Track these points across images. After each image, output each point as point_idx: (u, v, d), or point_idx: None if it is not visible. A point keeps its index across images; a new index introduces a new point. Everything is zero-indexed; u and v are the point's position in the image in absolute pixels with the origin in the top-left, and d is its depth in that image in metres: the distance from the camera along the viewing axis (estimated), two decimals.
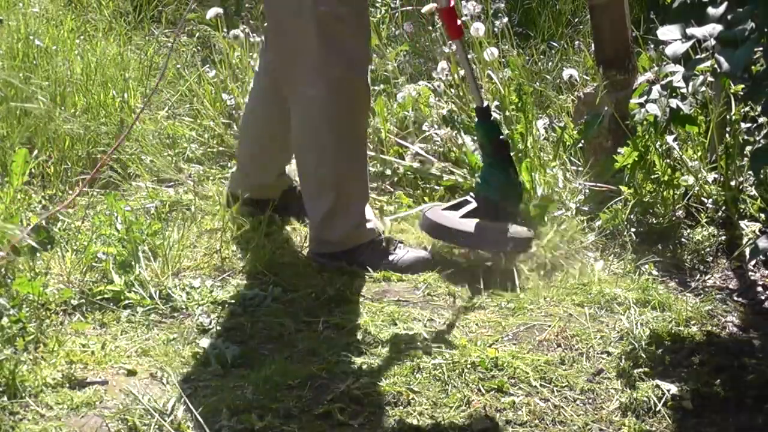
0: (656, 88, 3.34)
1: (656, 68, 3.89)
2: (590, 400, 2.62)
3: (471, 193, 3.44)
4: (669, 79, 3.33)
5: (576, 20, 5.06)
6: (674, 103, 3.37)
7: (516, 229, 3.29)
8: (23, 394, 2.52)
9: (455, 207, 3.39)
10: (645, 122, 3.44)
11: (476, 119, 3.37)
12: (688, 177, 3.53)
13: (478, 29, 4.06)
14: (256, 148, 3.49)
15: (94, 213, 3.40)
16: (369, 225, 3.30)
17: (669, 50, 2.58)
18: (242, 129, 3.64)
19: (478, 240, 3.29)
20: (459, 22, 3.30)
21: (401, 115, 4.13)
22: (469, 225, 3.29)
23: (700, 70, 3.08)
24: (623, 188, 3.48)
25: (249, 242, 3.34)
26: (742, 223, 3.44)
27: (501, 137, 3.36)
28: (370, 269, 3.22)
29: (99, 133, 4.05)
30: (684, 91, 3.33)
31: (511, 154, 3.40)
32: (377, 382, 2.64)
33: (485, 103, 3.35)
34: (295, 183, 3.55)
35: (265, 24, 3.46)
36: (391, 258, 3.27)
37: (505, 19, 4.48)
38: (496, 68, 4.10)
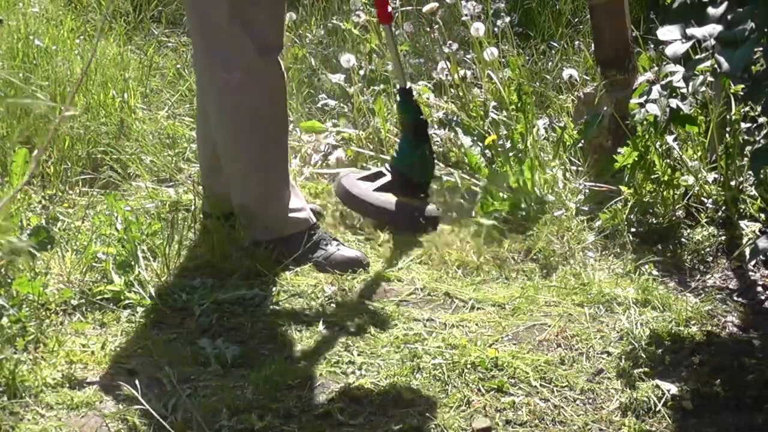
0: (656, 88, 3.34)
1: (656, 68, 3.89)
2: (590, 400, 2.62)
3: (386, 165, 3.60)
4: (669, 79, 3.33)
5: (576, 20, 5.06)
6: (674, 103, 3.37)
7: (428, 208, 3.49)
8: (23, 394, 2.52)
9: (370, 178, 3.54)
10: (645, 122, 3.44)
11: (399, 99, 3.54)
12: (688, 177, 3.53)
13: (478, 29, 4.06)
14: (209, 160, 3.41)
15: (94, 213, 3.40)
16: (300, 215, 3.28)
17: (669, 50, 2.58)
18: (198, 144, 3.56)
19: (390, 216, 3.45)
20: (390, 8, 3.49)
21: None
22: (384, 201, 3.46)
23: (700, 70, 3.08)
24: (623, 188, 3.48)
25: (248, 242, 3.34)
26: (742, 223, 3.44)
27: (421, 117, 3.55)
28: (295, 261, 3.20)
29: (99, 133, 4.05)
30: (684, 91, 3.33)
31: (429, 133, 3.60)
32: (377, 382, 2.64)
33: (409, 85, 3.55)
34: None
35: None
36: (319, 254, 3.24)
37: (507, 19, 4.48)
38: (496, 68, 4.10)
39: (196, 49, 3.25)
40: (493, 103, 3.96)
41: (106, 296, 2.99)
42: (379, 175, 3.56)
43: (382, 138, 4.04)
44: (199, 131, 3.45)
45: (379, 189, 3.51)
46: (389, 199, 3.50)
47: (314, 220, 3.33)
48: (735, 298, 3.13)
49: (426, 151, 3.55)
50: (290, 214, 3.27)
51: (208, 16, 3.13)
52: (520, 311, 3.02)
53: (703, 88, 3.31)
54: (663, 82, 3.37)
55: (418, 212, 3.46)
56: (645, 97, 3.38)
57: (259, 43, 3.13)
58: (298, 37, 4.89)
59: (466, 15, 4.20)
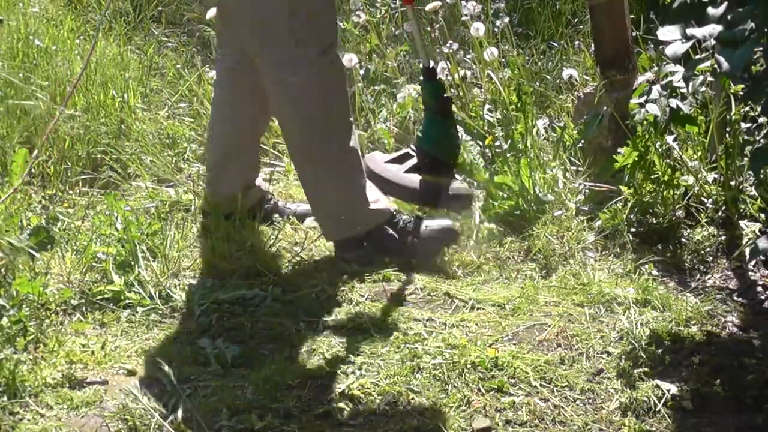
0: (656, 88, 3.34)
1: (656, 68, 3.89)
2: (590, 400, 2.62)
3: (411, 146, 3.55)
4: (669, 79, 3.33)
5: (576, 20, 5.05)
6: (674, 103, 3.36)
7: (457, 186, 3.43)
8: (23, 394, 2.52)
9: (397, 160, 3.50)
10: (645, 122, 3.44)
11: (423, 78, 3.49)
12: (688, 177, 3.53)
13: (478, 29, 4.06)
14: (218, 158, 3.43)
15: (94, 213, 3.40)
16: (380, 205, 3.28)
17: (669, 50, 2.58)
18: (209, 140, 3.56)
19: (420, 196, 3.42)
20: None
21: (402, 114, 4.13)
22: (413, 181, 3.41)
23: (700, 70, 3.07)
24: (623, 188, 3.48)
25: (247, 242, 3.34)
26: (742, 223, 3.44)
27: (445, 95, 3.49)
28: (393, 254, 3.22)
29: (99, 133, 4.05)
30: (684, 91, 3.33)
31: (453, 110, 3.56)
32: (377, 382, 2.64)
33: (431, 64, 3.48)
34: (267, 194, 3.53)
35: (221, 30, 3.45)
36: (408, 239, 3.26)
37: (507, 19, 4.48)
38: (496, 68, 4.10)
39: (253, 51, 3.19)
40: (488, 106, 3.95)
41: (106, 296, 3.00)
42: (405, 156, 3.52)
43: (381, 137, 4.04)
44: (214, 128, 3.45)
45: (408, 171, 3.47)
46: (417, 180, 3.47)
47: (394, 207, 3.32)
48: (735, 298, 3.13)
49: (451, 128, 3.50)
50: (371, 206, 3.26)
51: (266, 15, 3.11)
52: (520, 311, 3.02)
53: (703, 88, 3.31)
54: (663, 82, 3.37)
55: (445, 189, 3.42)
56: (645, 97, 3.38)
57: (318, 37, 3.12)
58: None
59: (466, 15, 4.20)
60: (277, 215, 3.50)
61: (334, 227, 3.27)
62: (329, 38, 3.16)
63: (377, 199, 3.29)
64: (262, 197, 3.51)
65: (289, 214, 3.52)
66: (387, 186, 3.43)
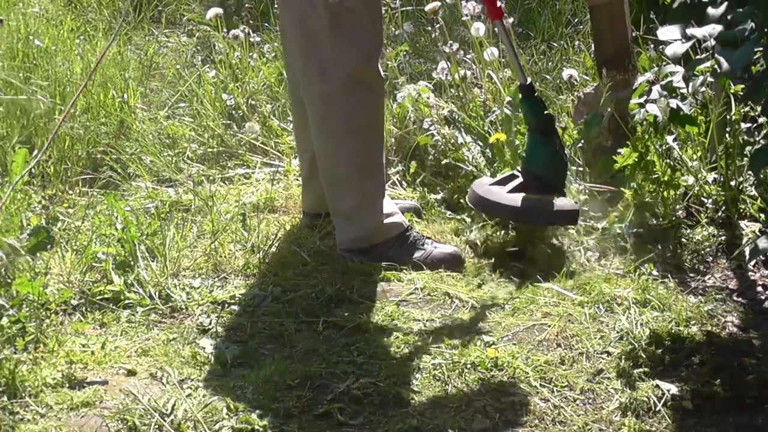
0: (656, 88, 3.34)
1: (656, 68, 3.89)
2: (590, 400, 2.62)
3: (517, 168, 3.46)
4: (669, 79, 3.33)
5: (576, 20, 5.05)
6: (674, 103, 3.36)
7: (562, 203, 3.35)
8: (23, 394, 2.52)
9: (502, 182, 3.41)
10: (645, 122, 3.44)
11: (521, 96, 3.40)
12: (688, 177, 3.53)
13: (478, 29, 4.06)
14: (312, 159, 3.43)
15: (94, 213, 3.40)
16: (394, 219, 3.30)
17: (669, 50, 2.57)
18: (296, 144, 3.59)
19: (526, 214, 3.34)
20: (499, 3, 3.35)
21: (402, 114, 4.13)
22: (516, 199, 3.33)
23: (700, 70, 3.07)
24: (623, 189, 3.47)
25: (248, 242, 3.34)
26: (742, 223, 3.44)
27: (546, 112, 3.39)
28: (398, 264, 3.22)
29: (99, 133, 4.06)
30: (684, 91, 3.33)
31: (557, 128, 3.43)
32: (377, 382, 2.64)
33: (529, 80, 3.39)
34: None
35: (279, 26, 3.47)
36: (419, 254, 3.27)
37: (511, 20, 4.48)
38: (496, 68, 4.10)
39: (294, 57, 3.26)
40: (495, 110, 3.95)
41: (106, 296, 3.00)
42: (511, 177, 3.42)
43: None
44: (300, 129, 3.46)
45: (513, 191, 3.37)
46: (521, 198, 3.38)
47: (407, 223, 3.34)
48: (735, 298, 3.13)
49: (556, 147, 3.38)
50: (384, 221, 3.28)
51: (307, 29, 3.14)
52: (519, 311, 3.02)
53: (703, 89, 3.31)
54: (663, 83, 3.36)
55: (547, 204, 3.35)
56: (645, 98, 3.37)
57: (356, 50, 3.15)
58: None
59: (466, 15, 4.20)
60: None
61: (348, 234, 3.29)
62: (372, 51, 3.19)
63: (392, 212, 3.31)
64: None
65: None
66: (490, 207, 3.37)
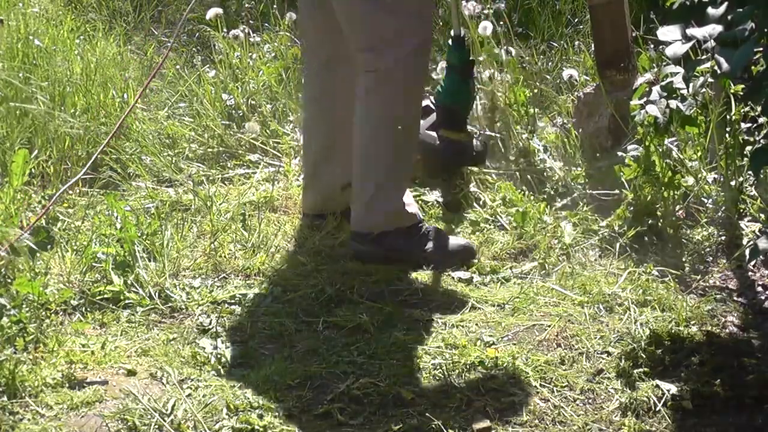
0: (656, 89, 3.34)
1: (656, 69, 3.89)
2: (590, 400, 2.62)
3: (432, 98, 3.70)
4: (669, 80, 3.32)
5: (576, 20, 5.05)
6: (674, 104, 3.36)
7: (474, 144, 3.62)
8: (23, 394, 2.52)
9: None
10: (645, 123, 3.43)
11: (452, 43, 3.63)
12: (688, 177, 3.53)
13: (486, 28, 4.07)
14: (320, 157, 3.45)
15: (94, 213, 3.40)
16: (411, 209, 3.30)
17: (669, 51, 2.57)
18: (305, 140, 3.56)
19: (439, 153, 3.60)
20: None
21: None
22: (433, 138, 3.58)
23: (700, 71, 3.07)
24: (624, 191, 3.47)
25: (248, 242, 3.34)
26: (742, 223, 3.44)
27: (471, 59, 3.66)
28: (408, 258, 3.23)
29: (99, 133, 4.05)
30: (684, 92, 3.32)
31: (474, 74, 3.72)
32: (377, 382, 2.64)
33: (463, 33, 3.66)
34: None
35: (298, 21, 3.47)
36: (430, 246, 3.27)
37: (516, 23, 4.49)
38: (493, 55, 4.09)
39: (349, 40, 3.22)
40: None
41: (106, 296, 3.00)
42: (427, 110, 3.64)
43: None
44: (311, 127, 3.48)
45: (430, 128, 3.64)
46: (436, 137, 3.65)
47: (421, 215, 3.35)
48: (735, 298, 3.13)
49: (471, 85, 3.65)
50: (405, 207, 3.29)
51: (368, 11, 3.14)
52: (519, 311, 3.02)
53: (703, 90, 3.31)
54: (663, 83, 3.36)
55: (465, 147, 3.61)
56: (645, 98, 3.37)
57: (416, 31, 3.17)
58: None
59: (466, 15, 4.19)
60: None
61: (367, 217, 3.27)
62: (424, 37, 3.22)
63: (410, 202, 3.32)
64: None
65: None
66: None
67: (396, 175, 3.28)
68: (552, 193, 3.66)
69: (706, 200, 3.52)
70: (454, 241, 3.32)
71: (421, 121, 3.54)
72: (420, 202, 3.53)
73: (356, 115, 3.26)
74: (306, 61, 3.53)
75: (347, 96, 3.30)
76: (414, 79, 3.24)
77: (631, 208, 3.44)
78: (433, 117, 3.68)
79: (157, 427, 2.43)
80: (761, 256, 3.16)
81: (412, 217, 3.30)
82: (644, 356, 2.75)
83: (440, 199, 3.62)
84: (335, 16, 3.21)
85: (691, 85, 3.13)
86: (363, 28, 3.18)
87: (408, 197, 3.33)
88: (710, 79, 3.23)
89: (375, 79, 3.18)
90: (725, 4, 2.53)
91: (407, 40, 3.16)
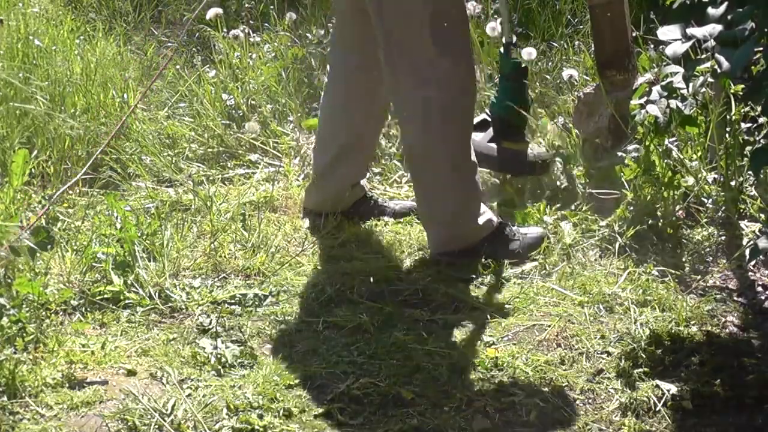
0: (656, 89, 3.34)
1: (656, 68, 3.88)
2: (590, 400, 2.62)
3: (487, 110, 3.64)
4: (669, 80, 3.32)
5: (576, 20, 5.05)
6: (674, 104, 3.35)
7: (537, 151, 3.52)
8: (23, 394, 2.53)
9: (478, 127, 3.52)
10: (646, 122, 3.43)
11: (502, 50, 3.63)
12: (688, 178, 3.53)
13: (494, 29, 4.08)
14: (336, 157, 3.46)
15: (94, 213, 3.40)
16: (488, 216, 3.31)
17: (669, 50, 2.57)
18: (321, 139, 3.56)
19: (501, 163, 3.52)
20: None
21: None
22: (492, 149, 3.49)
23: (700, 71, 3.07)
24: (623, 191, 3.47)
25: (248, 242, 3.34)
26: (742, 224, 3.44)
27: (523, 66, 3.63)
28: (497, 259, 3.24)
29: (99, 133, 4.05)
30: (684, 92, 3.32)
31: (527, 80, 3.67)
32: (377, 382, 2.64)
33: (514, 39, 3.64)
34: (368, 192, 3.58)
35: (332, 27, 3.47)
36: (514, 245, 3.28)
37: (516, 23, 4.49)
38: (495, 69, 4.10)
39: (385, 63, 3.21)
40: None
41: (105, 296, 3.00)
42: (484, 123, 3.61)
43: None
44: (328, 127, 3.48)
45: (491, 140, 3.59)
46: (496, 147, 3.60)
47: (497, 218, 3.35)
48: (735, 298, 3.13)
49: (525, 92, 3.64)
50: (479, 220, 3.29)
51: (405, 33, 3.14)
52: (519, 311, 3.02)
53: (703, 90, 3.31)
54: (663, 83, 3.36)
55: (525, 155, 3.57)
56: (645, 98, 3.37)
57: (451, 51, 3.16)
58: (298, 37, 4.89)
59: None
60: (377, 213, 3.56)
61: (444, 239, 3.29)
62: (465, 45, 3.21)
63: (484, 210, 3.32)
64: (363, 196, 3.56)
65: (390, 213, 3.57)
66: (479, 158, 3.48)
67: (469, 192, 3.28)
68: (552, 193, 3.66)
69: (706, 200, 3.52)
70: (531, 233, 3.34)
71: (479, 135, 3.51)
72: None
73: (404, 137, 3.30)
74: (333, 66, 3.53)
75: (371, 102, 3.41)
76: (460, 93, 3.22)
77: (631, 208, 3.44)
78: (490, 130, 3.61)
79: (157, 427, 2.43)
80: (761, 256, 3.16)
81: (491, 225, 3.30)
82: (644, 356, 2.75)
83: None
84: (367, 26, 3.23)
85: (691, 84, 3.13)
86: (401, 49, 3.17)
87: (482, 204, 3.34)
88: (710, 79, 3.23)
89: (421, 107, 3.18)
90: (725, 4, 2.53)
91: (446, 57, 3.14)
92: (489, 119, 3.63)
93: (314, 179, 3.52)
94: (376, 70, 3.27)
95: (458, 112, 3.23)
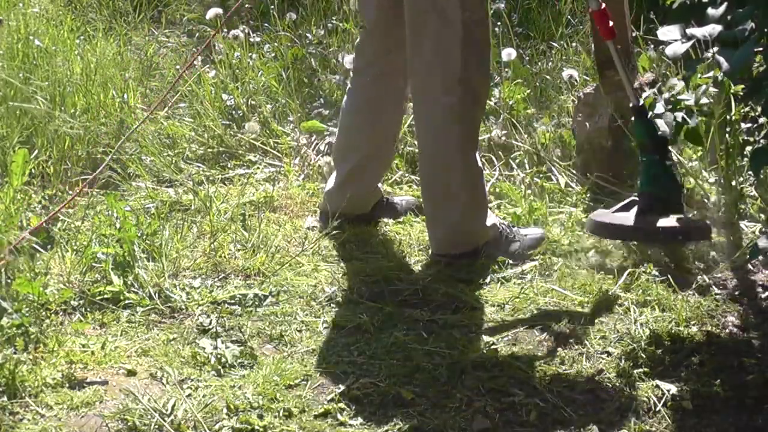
0: (661, 103, 3.32)
1: (656, 68, 3.88)
2: (590, 400, 2.62)
3: (635, 194, 3.35)
4: (673, 92, 3.32)
5: (576, 20, 5.05)
6: (680, 116, 3.32)
7: (689, 220, 3.29)
8: (23, 394, 2.53)
9: (624, 208, 3.32)
10: None
11: (634, 118, 3.32)
12: (688, 178, 3.53)
13: (510, 54, 4.11)
14: (360, 160, 3.48)
15: (94, 213, 3.40)
16: (492, 220, 3.34)
17: (669, 50, 2.58)
18: (344, 144, 3.56)
19: (659, 235, 3.25)
20: (611, 23, 3.30)
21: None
22: (646, 221, 3.24)
23: (703, 81, 3.07)
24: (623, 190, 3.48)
25: (248, 242, 3.34)
26: (743, 224, 3.44)
27: (659, 134, 3.27)
28: (506, 258, 3.27)
29: (99, 133, 4.06)
30: (689, 103, 3.30)
31: (669, 149, 3.34)
32: (377, 382, 2.64)
33: (641, 102, 3.31)
34: (384, 195, 3.61)
35: (362, 29, 3.47)
36: (515, 246, 3.31)
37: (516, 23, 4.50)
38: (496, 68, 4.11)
39: (415, 67, 3.25)
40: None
41: (105, 296, 3.00)
42: (631, 204, 3.32)
43: None
44: (354, 132, 3.50)
45: (639, 215, 3.27)
46: (652, 220, 3.25)
47: (500, 220, 3.38)
48: (735, 298, 3.13)
49: (672, 167, 3.30)
50: (485, 224, 3.32)
51: (442, 43, 3.17)
52: (519, 311, 3.02)
53: (706, 100, 3.31)
54: (667, 96, 3.35)
55: (685, 226, 3.24)
56: (651, 112, 3.32)
57: (480, 61, 3.22)
58: (298, 37, 4.89)
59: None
60: (392, 214, 3.60)
61: (450, 242, 3.30)
62: (489, 64, 3.29)
63: (488, 215, 3.35)
64: (381, 197, 3.61)
65: (404, 210, 3.61)
66: (620, 233, 3.28)
67: (478, 198, 3.31)
68: (552, 193, 3.66)
69: (706, 201, 3.52)
70: (531, 234, 3.37)
71: (627, 213, 3.28)
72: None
73: (421, 142, 3.33)
74: (358, 71, 3.52)
75: (394, 108, 3.48)
76: (478, 101, 3.28)
77: None
78: (637, 207, 3.29)
79: (157, 427, 2.43)
80: (761, 256, 3.16)
81: (495, 228, 3.33)
82: (644, 356, 2.75)
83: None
84: (391, 38, 3.30)
85: (694, 95, 3.14)
86: (434, 65, 3.21)
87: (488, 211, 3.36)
88: (713, 89, 3.24)
89: (443, 113, 3.22)
90: (725, 4, 2.53)
91: (474, 71, 3.20)
92: (636, 200, 3.30)
93: (337, 185, 3.52)
94: (401, 79, 3.35)
95: (474, 121, 3.29)
